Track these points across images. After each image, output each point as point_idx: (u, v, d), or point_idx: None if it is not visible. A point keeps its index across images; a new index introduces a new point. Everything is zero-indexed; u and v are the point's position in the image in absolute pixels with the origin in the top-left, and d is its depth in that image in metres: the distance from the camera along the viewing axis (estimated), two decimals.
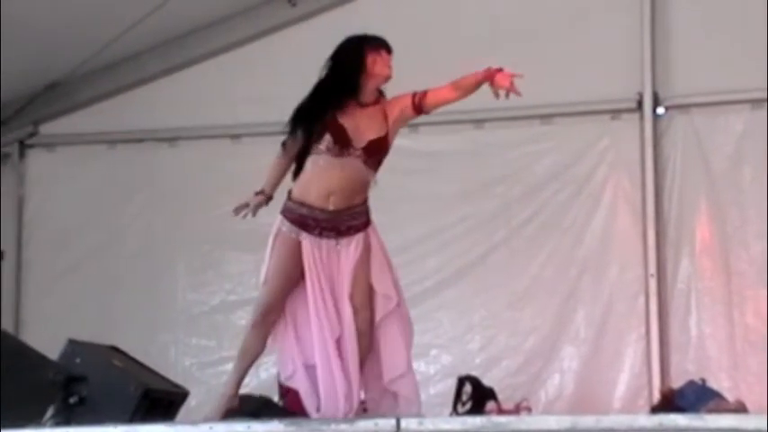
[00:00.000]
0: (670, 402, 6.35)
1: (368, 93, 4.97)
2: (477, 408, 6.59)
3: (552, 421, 4.30)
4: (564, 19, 7.20)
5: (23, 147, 7.95)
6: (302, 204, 4.88)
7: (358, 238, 4.92)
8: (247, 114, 7.65)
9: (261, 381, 7.26)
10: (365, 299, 4.90)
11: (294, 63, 7.57)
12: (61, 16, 6.98)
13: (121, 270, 7.70)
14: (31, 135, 7.96)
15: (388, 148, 4.95)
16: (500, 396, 6.75)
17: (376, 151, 4.90)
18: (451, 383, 6.80)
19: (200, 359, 7.56)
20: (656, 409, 6.43)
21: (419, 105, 4.99)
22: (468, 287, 7.25)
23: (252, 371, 7.41)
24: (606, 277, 7.12)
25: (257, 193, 5.10)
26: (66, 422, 4.97)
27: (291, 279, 4.94)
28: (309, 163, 4.90)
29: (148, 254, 7.70)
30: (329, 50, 7.37)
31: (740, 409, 6.07)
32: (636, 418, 4.81)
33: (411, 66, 7.25)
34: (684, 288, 7.01)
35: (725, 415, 5.52)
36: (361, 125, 4.89)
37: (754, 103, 6.97)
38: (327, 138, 4.85)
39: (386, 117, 4.99)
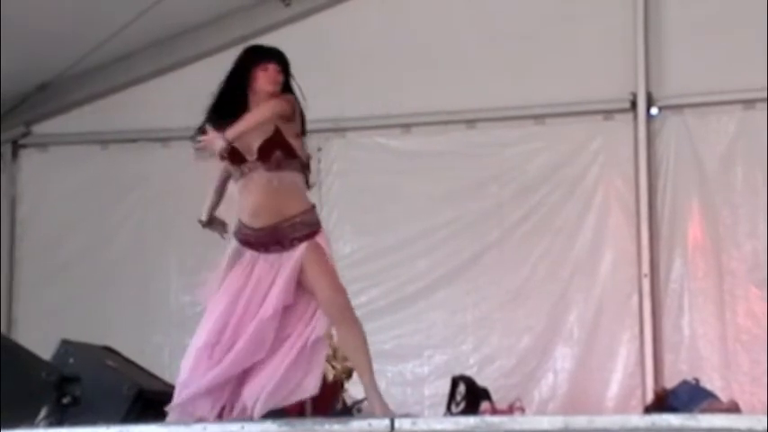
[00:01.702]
0: (663, 402, 6.36)
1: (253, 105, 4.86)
2: (472, 408, 6.59)
3: (545, 422, 4.30)
4: (557, 19, 7.20)
5: (16, 147, 7.93)
6: (243, 225, 4.83)
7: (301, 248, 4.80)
8: None
9: None
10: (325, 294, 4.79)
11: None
12: (53, 17, 6.97)
13: (114, 270, 7.69)
14: (24, 135, 7.95)
15: (285, 142, 4.75)
16: (494, 396, 6.75)
17: (267, 152, 4.73)
18: (445, 384, 6.80)
19: None
20: (649, 409, 6.44)
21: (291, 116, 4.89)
22: (460, 287, 7.25)
23: None
24: (599, 277, 7.12)
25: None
26: (60, 422, 4.96)
27: None
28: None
29: (141, 254, 7.69)
30: (322, 51, 7.43)
31: (733, 409, 6.08)
32: (629, 418, 4.80)
33: (406, 66, 7.35)
34: (677, 288, 7.02)
35: (718, 415, 5.52)
36: (247, 136, 4.73)
37: (747, 103, 6.98)
38: (227, 166, 4.83)
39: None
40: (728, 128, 7.02)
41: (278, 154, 4.72)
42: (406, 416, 4.79)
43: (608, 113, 7.19)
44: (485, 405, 6.60)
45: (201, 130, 4.82)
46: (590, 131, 7.21)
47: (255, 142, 4.74)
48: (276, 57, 4.89)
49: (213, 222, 5.13)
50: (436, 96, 7.32)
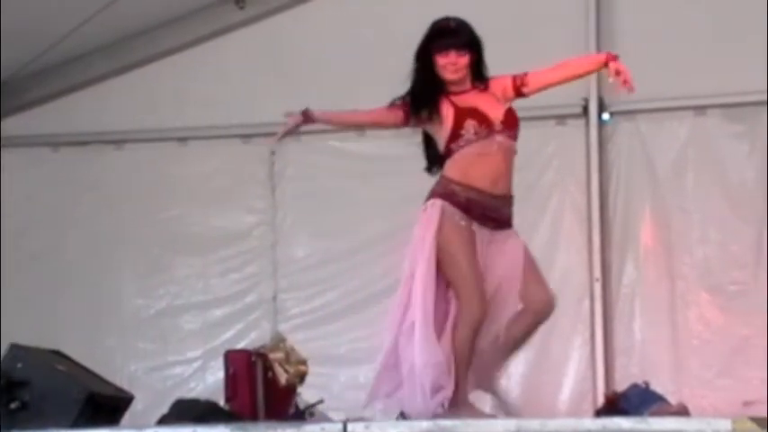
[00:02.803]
0: (614, 406, 6.40)
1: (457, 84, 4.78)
2: None
3: (498, 425, 4.33)
4: (510, 24, 7.23)
5: None
6: (469, 188, 4.71)
7: (513, 235, 4.81)
8: (195, 117, 7.62)
9: (207, 385, 7.24)
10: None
11: (242, 66, 7.57)
12: (5, 15, 6.90)
13: (67, 274, 7.64)
14: None
15: (517, 119, 4.82)
16: None
17: (513, 123, 4.79)
18: None
19: (147, 363, 7.52)
20: (600, 413, 6.47)
21: (519, 88, 4.88)
22: None
23: (198, 374, 7.44)
24: (552, 282, 7.05)
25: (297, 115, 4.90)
26: (8, 428, 4.92)
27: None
28: (454, 159, 4.73)
29: (94, 257, 7.64)
30: (278, 53, 7.42)
31: (682, 412, 6.13)
32: (580, 421, 4.84)
33: (361, 69, 7.35)
34: (629, 292, 7.08)
35: (667, 418, 5.59)
36: (480, 103, 4.78)
37: (698, 109, 7.05)
38: (470, 124, 4.71)
39: (494, 95, 4.87)
40: (680, 134, 7.09)
41: (518, 128, 4.82)
42: (360, 420, 4.80)
43: (560, 119, 7.24)
44: None
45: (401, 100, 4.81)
46: (543, 137, 7.24)
47: (499, 110, 4.78)
48: (454, 40, 4.81)
49: (309, 119, 5.03)
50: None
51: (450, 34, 4.81)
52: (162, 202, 7.61)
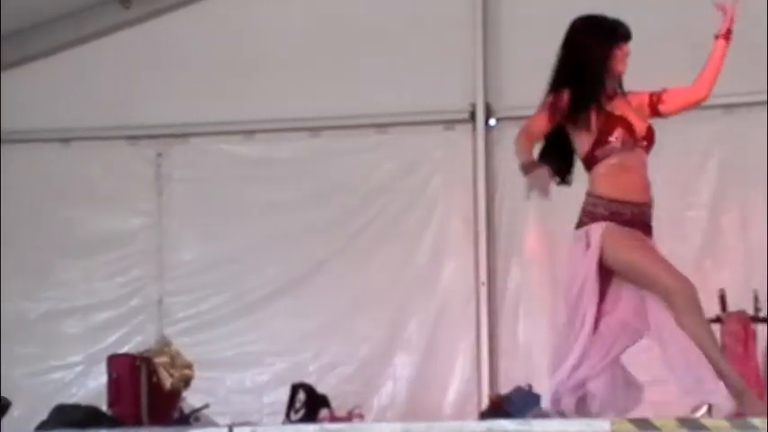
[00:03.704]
0: (498, 408, 6.48)
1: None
2: (311, 415, 6.60)
3: (384, 428, 4.34)
4: (399, 29, 7.28)
5: None
6: (631, 204, 4.65)
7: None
8: (79, 117, 7.49)
9: (89, 390, 7.12)
10: None
11: (127, 66, 7.47)
12: None
13: None
14: None
15: (654, 134, 4.76)
16: (333, 403, 6.78)
17: (653, 138, 4.73)
18: (285, 391, 6.80)
19: (28, 368, 7.36)
20: (484, 415, 6.55)
21: (656, 105, 4.78)
22: (303, 295, 7.25)
23: (80, 379, 7.31)
24: (439, 285, 7.23)
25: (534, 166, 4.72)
26: None
27: None
28: (600, 173, 4.68)
29: None
30: (163, 54, 7.34)
31: (563, 413, 6.23)
32: (465, 424, 4.89)
33: (250, 72, 7.32)
34: (513, 296, 7.17)
35: (550, 420, 5.68)
36: (629, 114, 4.71)
37: None
38: (619, 132, 4.63)
39: (632, 105, 4.78)
40: None
41: (653, 144, 4.74)
42: (246, 424, 4.78)
43: (448, 124, 7.30)
44: (324, 412, 6.63)
45: (555, 101, 4.71)
46: (431, 141, 7.31)
47: (642, 122, 4.73)
48: (629, 37, 4.79)
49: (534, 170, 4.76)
50: (280, 103, 7.32)
51: (622, 26, 4.79)
52: (46, 203, 7.47)
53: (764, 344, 6.47)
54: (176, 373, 5.99)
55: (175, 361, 5.97)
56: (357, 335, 7.18)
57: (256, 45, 7.37)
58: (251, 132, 7.39)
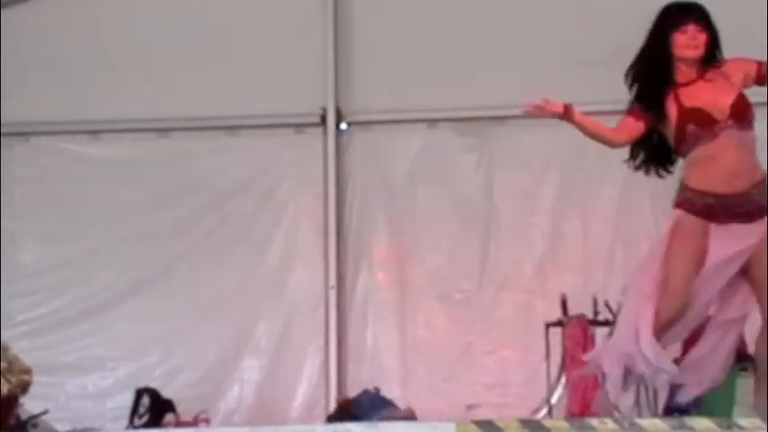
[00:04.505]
0: (346, 411, 6.51)
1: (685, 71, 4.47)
2: (155, 420, 6.52)
3: None
4: (250, 31, 7.24)
5: None
6: (705, 193, 4.42)
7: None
8: None
9: None
10: None
11: None
12: None
13: None
14: None
15: (750, 104, 4.45)
16: (179, 408, 6.71)
17: (743, 112, 4.42)
18: (129, 396, 6.69)
19: None
20: (332, 418, 6.57)
21: (764, 77, 4.47)
22: (149, 298, 7.15)
23: None
24: (288, 289, 7.21)
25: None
26: None
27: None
28: (689, 162, 4.45)
29: None
30: (4, 51, 7.12)
31: (409, 416, 6.31)
32: (313, 427, 4.89)
33: (96, 71, 7.18)
34: (362, 300, 7.20)
35: (396, 422, 5.74)
36: (708, 98, 4.42)
37: (431, 122, 7.25)
38: (691, 129, 4.41)
39: (728, 79, 4.48)
40: (413, 145, 7.26)
41: (750, 115, 4.43)
42: (87, 430, 4.68)
43: (299, 127, 7.30)
44: (168, 417, 6.55)
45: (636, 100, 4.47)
46: (281, 145, 7.29)
47: (726, 99, 4.42)
48: (694, 14, 4.45)
49: (569, 114, 4.63)
50: (128, 103, 7.20)
51: (687, 9, 4.46)
52: None
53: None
54: (13, 379, 5.82)
55: (13, 366, 5.80)
56: (205, 338, 7.11)
57: (104, 44, 7.24)
58: (96, 132, 7.26)
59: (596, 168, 7.00)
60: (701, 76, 4.46)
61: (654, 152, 4.58)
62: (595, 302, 6.65)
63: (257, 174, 7.30)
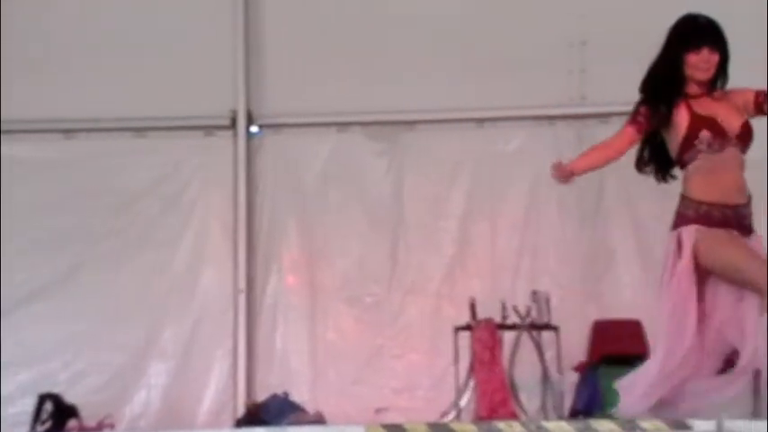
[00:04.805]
0: (254, 416, 6.48)
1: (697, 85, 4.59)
2: (58, 426, 6.42)
3: None
4: (160, 31, 7.17)
5: None
6: (723, 206, 4.50)
7: (759, 239, 4.54)
8: None
9: None
10: None
11: None
12: None
13: None
14: None
15: (753, 132, 4.58)
16: (84, 413, 6.61)
17: (748, 136, 4.55)
18: (31, 402, 6.57)
19: None
20: (240, 423, 6.53)
21: (761, 105, 4.57)
22: (53, 301, 7.03)
23: None
24: (196, 293, 7.15)
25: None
26: None
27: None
28: (691, 174, 4.54)
29: None
30: None
31: (318, 420, 6.30)
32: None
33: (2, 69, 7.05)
34: (272, 304, 7.17)
35: (304, 427, 5.74)
36: (720, 113, 4.54)
37: (341, 126, 7.25)
38: (705, 135, 4.49)
39: (733, 104, 4.59)
40: (323, 149, 7.25)
41: (751, 141, 4.55)
42: None
43: (208, 129, 7.24)
44: (72, 422, 6.45)
45: (638, 111, 4.54)
46: (191, 147, 7.22)
47: (735, 121, 4.52)
48: (710, 38, 4.52)
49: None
50: (32, 104, 7.08)
51: (703, 31, 4.55)
52: None
53: (509, 350, 6.71)
54: None
55: None
56: (110, 342, 7.01)
57: (9, 43, 7.11)
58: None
59: (505, 174, 7.08)
60: (709, 95, 4.57)
61: (661, 158, 4.67)
62: (503, 307, 6.72)
63: (166, 176, 7.23)
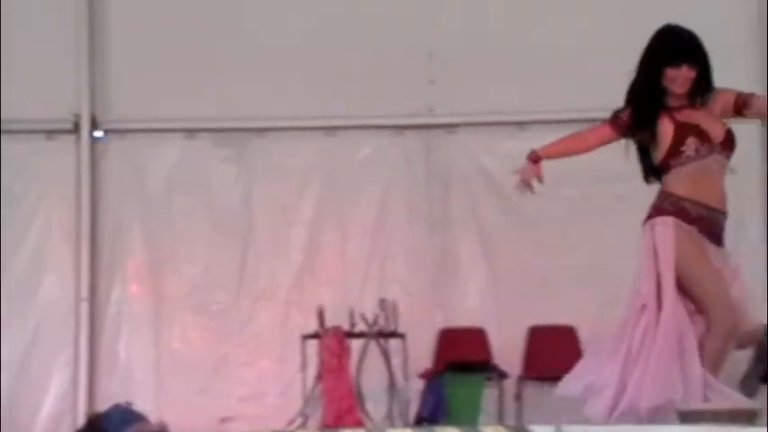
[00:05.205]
0: (95, 426, 6.34)
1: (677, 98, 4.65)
2: None
3: None
4: (3, 33, 6.96)
5: None
6: (699, 204, 4.55)
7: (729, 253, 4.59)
8: None
9: None
10: None
11: None
12: None
13: None
14: None
15: (735, 139, 4.64)
16: None
17: (732, 143, 4.62)
18: None
19: None
20: None
21: (741, 107, 4.64)
22: None
23: None
24: (37, 300, 6.98)
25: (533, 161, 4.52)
26: None
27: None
28: (676, 175, 4.58)
29: None
30: None
31: (162, 430, 6.20)
32: None
33: None
34: (116, 312, 7.04)
35: None
36: (702, 121, 4.61)
37: (189, 132, 7.16)
38: (692, 141, 4.55)
39: (711, 112, 4.66)
40: (171, 155, 7.16)
41: (734, 149, 4.62)
42: None
43: (49, 133, 7.07)
44: None
45: (617, 115, 4.63)
46: (31, 151, 7.05)
47: (718, 128, 4.61)
48: (690, 54, 4.60)
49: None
50: None
51: (685, 47, 4.63)
52: None
53: (357, 358, 6.73)
54: None
55: None
56: None
57: None
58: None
59: (354, 182, 7.11)
60: (690, 105, 4.69)
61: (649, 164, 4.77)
62: (352, 314, 6.73)
63: (6, 180, 7.02)
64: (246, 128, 7.17)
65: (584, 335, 6.78)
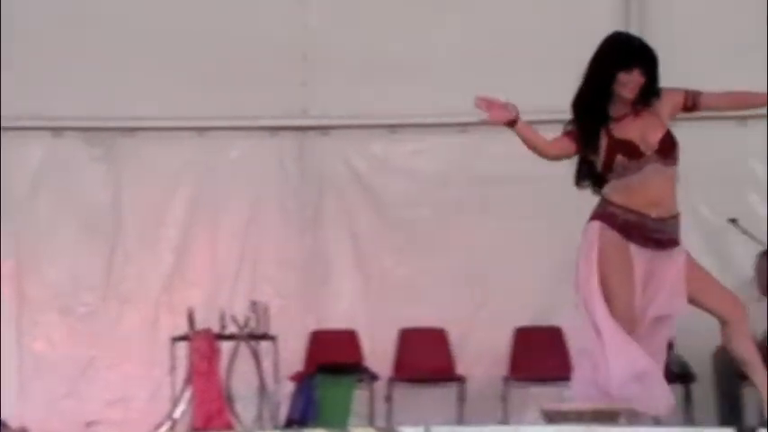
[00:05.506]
0: None
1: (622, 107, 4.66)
2: None
3: None
4: None
5: None
6: (628, 210, 4.61)
7: (677, 253, 4.65)
8: None
9: None
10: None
11: None
12: None
13: None
14: None
15: (676, 141, 4.66)
16: None
17: (670, 148, 4.64)
18: None
19: None
20: None
21: (690, 107, 4.70)
22: None
23: None
24: None
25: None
26: None
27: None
28: (613, 184, 4.64)
29: None
30: None
31: None
32: None
33: None
34: None
35: None
36: (638, 132, 4.63)
37: (56, 130, 7.00)
38: (620, 159, 4.61)
39: (657, 116, 4.68)
40: (36, 154, 7.01)
41: (675, 151, 4.65)
42: None
43: None
44: None
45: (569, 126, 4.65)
46: None
47: (654, 135, 4.63)
48: (644, 61, 4.62)
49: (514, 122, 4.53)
50: None
51: (638, 52, 4.65)
52: None
53: (228, 360, 6.69)
54: None
55: None
56: None
57: None
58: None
59: (226, 183, 7.06)
60: (633, 111, 4.71)
61: (593, 174, 4.80)
62: (222, 316, 6.69)
63: None
64: (116, 127, 7.06)
65: (454, 337, 6.87)
